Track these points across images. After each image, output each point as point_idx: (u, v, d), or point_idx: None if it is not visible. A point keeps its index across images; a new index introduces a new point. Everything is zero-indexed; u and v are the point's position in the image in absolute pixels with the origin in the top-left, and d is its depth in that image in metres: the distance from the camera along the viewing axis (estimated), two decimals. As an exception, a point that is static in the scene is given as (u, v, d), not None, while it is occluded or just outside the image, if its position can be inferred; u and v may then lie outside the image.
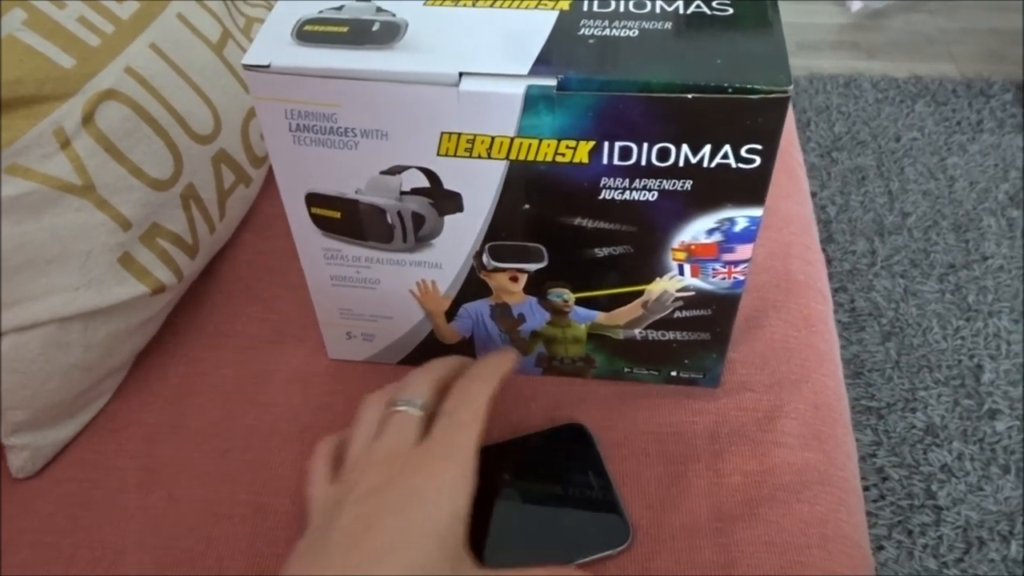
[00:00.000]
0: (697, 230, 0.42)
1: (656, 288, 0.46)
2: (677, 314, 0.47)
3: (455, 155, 0.40)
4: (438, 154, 0.40)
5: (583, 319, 0.48)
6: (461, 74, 0.37)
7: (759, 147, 0.38)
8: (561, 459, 0.49)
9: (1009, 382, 1.15)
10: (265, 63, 0.38)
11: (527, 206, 0.42)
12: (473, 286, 0.47)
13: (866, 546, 0.48)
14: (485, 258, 0.45)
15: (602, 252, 0.44)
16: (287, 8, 0.41)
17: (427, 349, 0.52)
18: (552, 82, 0.37)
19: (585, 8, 0.40)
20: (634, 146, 0.38)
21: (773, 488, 0.47)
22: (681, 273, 0.45)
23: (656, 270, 0.45)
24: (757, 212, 0.41)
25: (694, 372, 0.51)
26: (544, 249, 0.44)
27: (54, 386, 0.49)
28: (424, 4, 0.41)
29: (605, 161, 0.39)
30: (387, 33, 0.39)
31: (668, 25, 0.39)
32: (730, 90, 0.36)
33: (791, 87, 0.35)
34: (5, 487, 0.50)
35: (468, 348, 0.52)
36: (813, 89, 1.66)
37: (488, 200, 0.42)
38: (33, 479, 0.51)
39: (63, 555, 0.47)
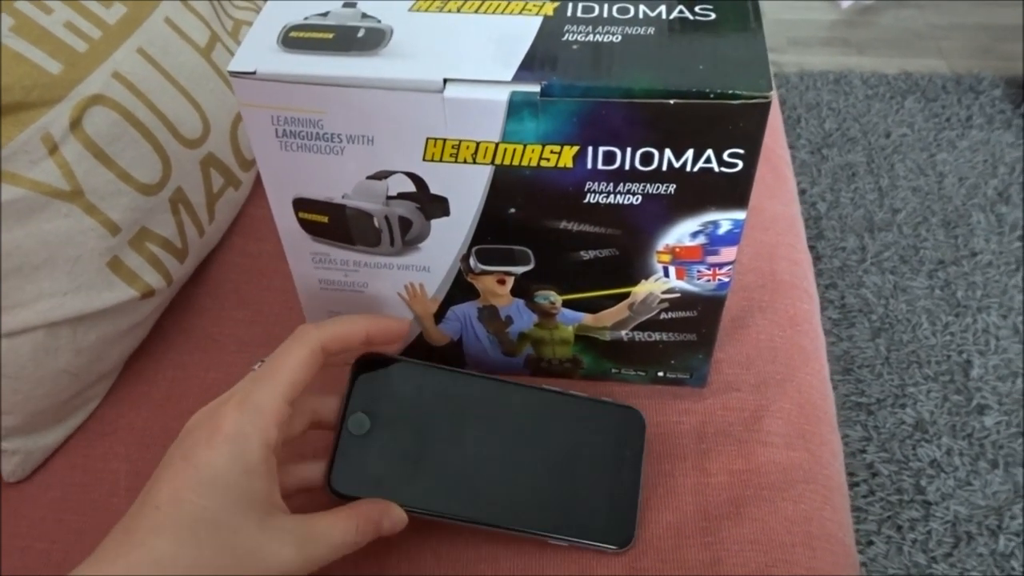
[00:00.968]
0: (681, 233, 0.42)
1: (642, 290, 0.46)
2: (663, 316, 0.48)
3: (441, 160, 0.40)
4: (424, 159, 0.40)
5: (570, 321, 0.49)
6: (446, 80, 0.37)
7: (741, 151, 0.38)
8: (601, 433, 0.47)
9: (998, 377, 1.16)
10: (251, 70, 0.38)
11: (513, 210, 0.42)
12: (461, 289, 0.48)
13: (851, 544, 0.49)
14: (472, 261, 0.46)
15: (588, 255, 0.44)
16: (273, 14, 0.41)
17: (416, 352, 0.52)
18: (536, 88, 0.37)
19: (569, 14, 0.40)
20: (618, 151, 0.39)
21: (759, 487, 0.48)
22: (666, 275, 0.45)
23: (641, 272, 0.45)
24: (740, 215, 0.41)
25: (681, 373, 0.52)
26: (530, 252, 0.45)
27: (44, 391, 0.50)
28: (409, 10, 0.41)
29: (589, 166, 0.39)
30: (372, 39, 0.39)
31: (651, 31, 0.39)
32: (711, 96, 0.36)
33: (772, 92, 0.36)
34: (-4, 492, 0.50)
35: (457, 350, 0.52)
36: (803, 85, 1.66)
37: (474, 204, 0.42)
38: (23, 483, 0.51)
39: (53, 560, 0.47)
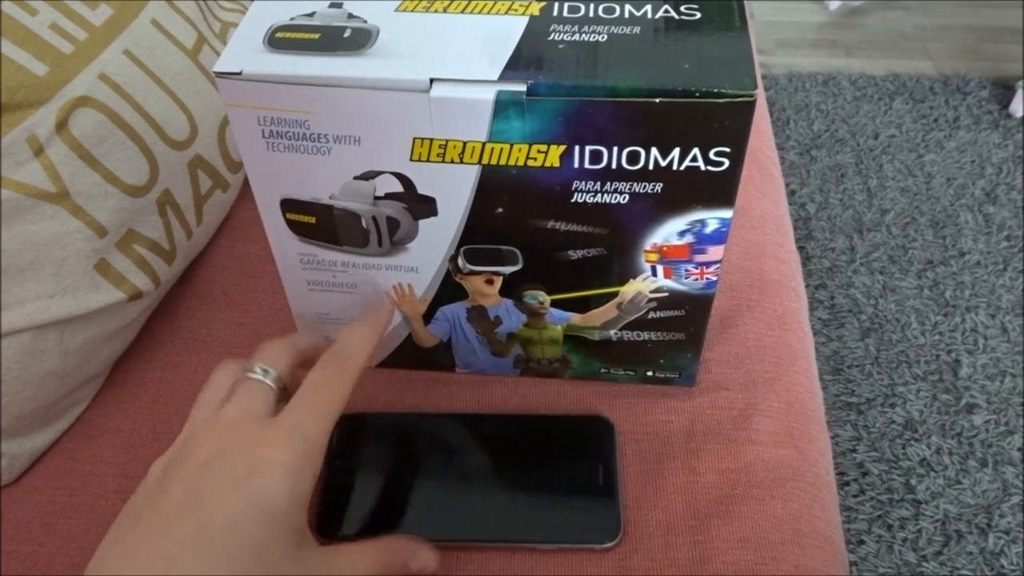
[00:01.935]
0: (668, 232, 0.43)
1: (630, 289, 0.46)
2: (652, 315, 0.48)
3: (428, 160, 0.40)
4: (411, 159, 0.40)
5: (559, 320, 0.49)
6: (432, 80, 0.37)
7: (727, 150, 0.38)
8: (572, 445, 0.49)
9: (986, 376, 1.17)
10: (237, 70, 0.38)
11: (500, 209, 0.42)
12: (449, 289, 0.48)
13: (839, 541, 0.49)
14: (460, 261, 0.46)
15: (576, 254, 0.44)
16: (259, 14, 0.41)
17: (405, 353, 0.52)
18: (522, 87, 0.37)
19: (555, 13, 0.40)
20: (604, 150, 0.39)
21: (747, 485, 0.48)
22: (654, 274, 0.45)
23: (629, 272, 0.45)
24: (727, 214, 0.41)
25: (669, 372, 0.52)
26: (518, 252, 0.45)
27: (31, 394, 0.49)
28: (395, 10, 0.41)
29: (576, 165, 0.40)
30: (358, 40, 0.39)
31: (637, 30, 0.39)
32: (697, 94, 0.36)
33: (757, 91, 0.36)
34: (-18, 496, 0.50)
35: (446, 351, 0.52)
36: (792, 87, 1.67)
37: (462, 204, 0.42)
38: (10, 487, 0.51)
39: (40, 563, 0.47)
